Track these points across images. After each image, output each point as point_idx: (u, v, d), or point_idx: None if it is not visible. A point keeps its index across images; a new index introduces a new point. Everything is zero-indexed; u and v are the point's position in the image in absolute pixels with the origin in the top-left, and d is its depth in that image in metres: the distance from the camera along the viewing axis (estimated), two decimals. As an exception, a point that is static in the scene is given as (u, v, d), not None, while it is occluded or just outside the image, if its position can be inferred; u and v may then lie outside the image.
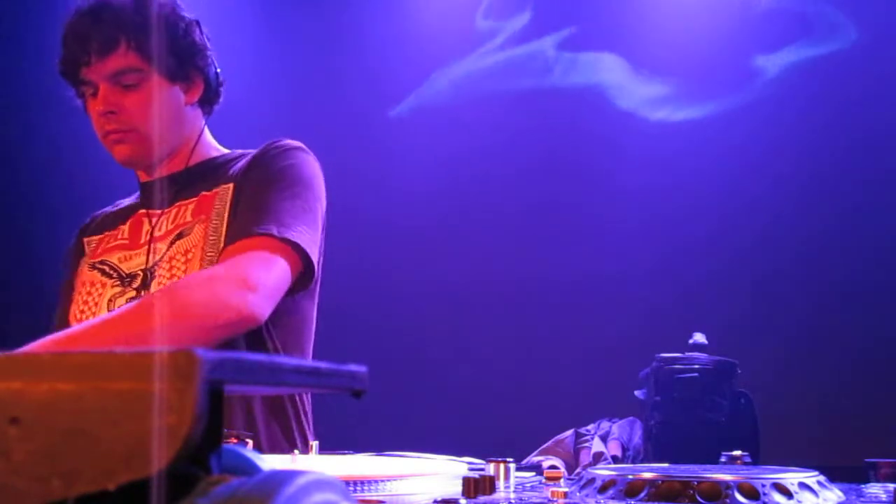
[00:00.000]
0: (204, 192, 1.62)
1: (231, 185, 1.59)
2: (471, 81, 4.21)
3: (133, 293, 1.58)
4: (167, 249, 1.58)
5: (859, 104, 3.79)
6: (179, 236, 1.58)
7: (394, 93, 4.26)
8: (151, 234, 1.62)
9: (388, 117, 4.23)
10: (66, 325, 1.65)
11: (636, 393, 3.01)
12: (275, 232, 1.46)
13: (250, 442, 1.12)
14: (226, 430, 1.53)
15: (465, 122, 4.18)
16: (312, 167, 1.62)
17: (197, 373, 0.36)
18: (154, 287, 1.56)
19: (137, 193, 1.76)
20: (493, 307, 3.97)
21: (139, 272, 1.60)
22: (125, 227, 1.69)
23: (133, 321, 1.34)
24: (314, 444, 1.16)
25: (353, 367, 0.48)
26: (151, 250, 1.60)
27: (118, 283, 1.61)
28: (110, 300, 1.59)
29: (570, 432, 3.05)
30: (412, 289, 3.98)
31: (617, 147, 4.05)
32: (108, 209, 1.82)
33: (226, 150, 1.75)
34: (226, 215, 1.55)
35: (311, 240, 1.52)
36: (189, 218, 1.60)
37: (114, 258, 1.65)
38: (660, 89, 4.03)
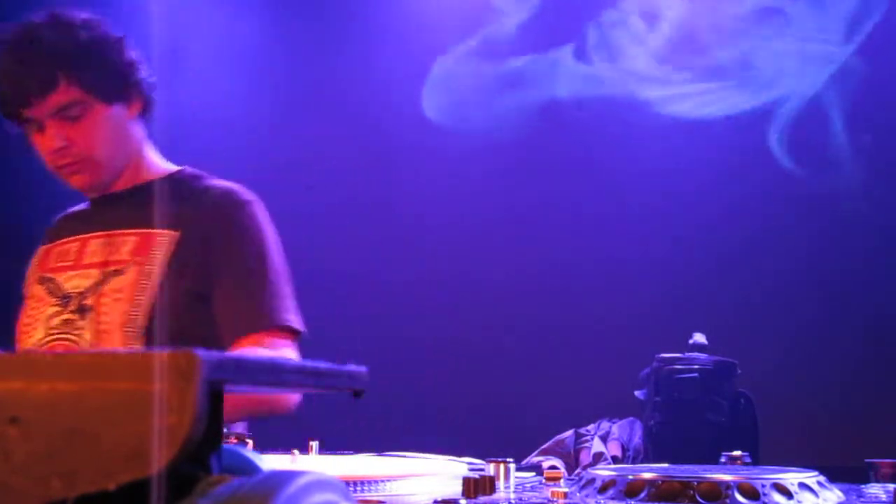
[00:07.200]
0: (145, 229, 1.61)
1: (177, 234, 1.58)
2: (474, 79, 4.21)
3: (68, 315, 1.58)
4: (103, 282, 1.59)
5: (869, 107, 3.79)
6: (116, 273, 1.58)
7: (394, 90, 4.26)
8: (80, 255, 1.63)
9: (388, 115, 4.23)
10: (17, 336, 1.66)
11: (636, 393, 3.01)
12: (290, 322, 1.55)
13: (250, 442, 1.12)
14: (226, 430, 1.53)
15: (469, 120, 4.18)
16: (266, 218, 1.65)
17: (197, 373, 0.36)
18: (90, 318, 1.56)
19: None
20: (493, 307, 3.97)
21: (74, 294, 1.60)
22: (77, 246, 1.67)
23: None
24: (314, 444, 1.16)
25: (353, 368, 0.48)
26: (84, 275, 1.61)
27: (58, 302, 1.61)
28: (49, 318, 1.60)
29: (570, 432, 3.05)
30: (412, 289, 3.98)
31: (617, 147, 4.05)
32: (71, 211, 1.79)
33: (166, 165, 1.74)
34: (164, 263, 1.55)
35: (296, 309, 1.62)
36: (126, 256, 1.60)
37: (60, 276, 1.64)
38: (672, 85, 4.02)
